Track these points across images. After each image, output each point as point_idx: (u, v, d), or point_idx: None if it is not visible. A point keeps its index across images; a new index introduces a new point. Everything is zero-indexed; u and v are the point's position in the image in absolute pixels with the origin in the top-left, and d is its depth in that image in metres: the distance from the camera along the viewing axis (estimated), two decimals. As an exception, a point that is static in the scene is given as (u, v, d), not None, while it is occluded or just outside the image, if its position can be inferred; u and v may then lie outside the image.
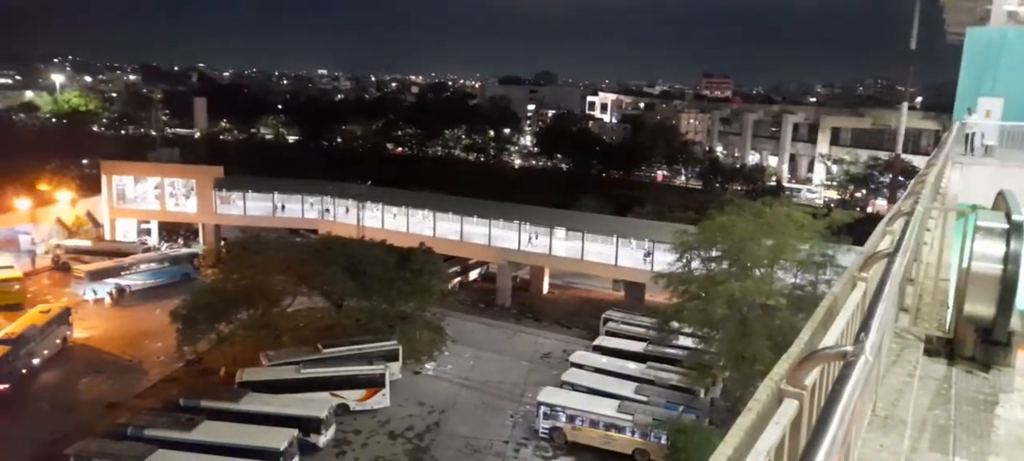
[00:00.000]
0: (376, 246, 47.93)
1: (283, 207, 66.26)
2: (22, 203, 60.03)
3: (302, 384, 35.97)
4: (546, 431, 35.06)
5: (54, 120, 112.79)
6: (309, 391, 35.45)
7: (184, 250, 61.61)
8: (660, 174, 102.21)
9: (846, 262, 25.47)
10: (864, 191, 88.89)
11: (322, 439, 33.06)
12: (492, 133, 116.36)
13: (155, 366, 41.87)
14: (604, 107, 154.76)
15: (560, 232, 55.24)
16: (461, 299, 55.11)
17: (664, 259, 40.71)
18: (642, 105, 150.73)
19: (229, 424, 31.39)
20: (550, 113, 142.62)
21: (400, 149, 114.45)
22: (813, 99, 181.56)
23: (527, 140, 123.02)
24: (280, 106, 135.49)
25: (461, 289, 57.91)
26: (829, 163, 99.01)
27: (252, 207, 66.39)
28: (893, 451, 5.13)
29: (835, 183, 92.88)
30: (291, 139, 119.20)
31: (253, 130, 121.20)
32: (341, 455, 33.24)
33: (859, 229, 31.42)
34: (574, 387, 36.84)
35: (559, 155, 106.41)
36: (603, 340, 44.19)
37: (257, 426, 31.30)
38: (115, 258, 56.07)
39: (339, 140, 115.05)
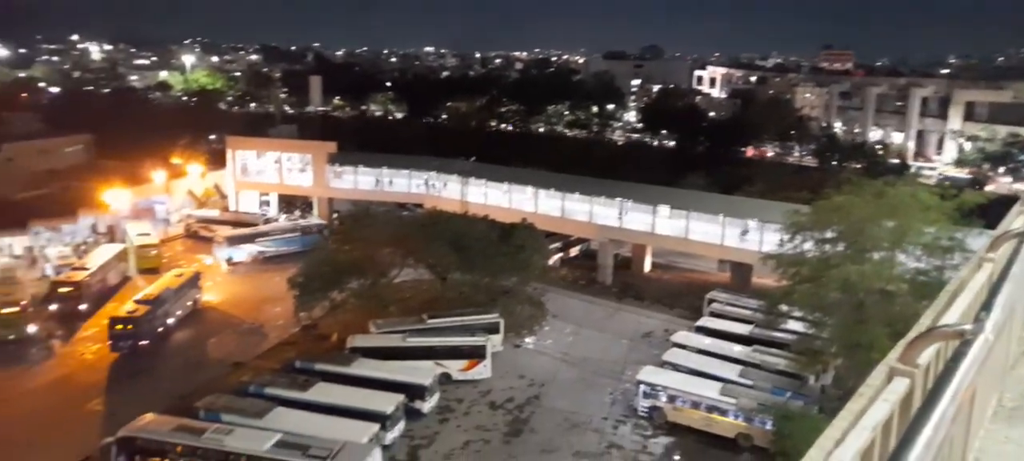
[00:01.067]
0: (479, 221, 48.81)
1: (391, 182, 68.47)
2: (158, 175, 64.87)
3: (408, 352, 37.36)
4: (646, 410, 34.86)
5: (185, 98, 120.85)
6: (414, 359, 36.77)
7: (314, 221, 64.58)
8: (772, 151, 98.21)
9: (977, 246, 23.77)
10: (1002, 169, 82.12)
11: (426, 406, 34.27)
12: (595, 109, 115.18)
13: (274, 329, 44.58)
14: (713, 81, 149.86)
15: (664, 210, 54.28)
16: (562, 276, 55.32)
17: (774, 240, 39.27)
18: (754, 79, 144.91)
19: (340, 386, 33.11)
20: (655, 88, 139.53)
21: (503, 125, 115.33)
22: (945, 71, 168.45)
23: (631, 116, 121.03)
24: (388, 84, 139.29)
25: (562, 266, 58.09)
26: (962, 140, 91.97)
27: (362, 181, 69.05)
28: (1020, 443, 4.86)
29: (968, 161, 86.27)
30: (398, 116, 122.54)
31: (363, 107, 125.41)
32: (444, 422, 34.34)
33: (994, 211, 29.21)
34: (676, 367, 36.39)
35: (664, 131, 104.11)
36: (707, 321, 43.31)
37: (366, 390, 32.84)
38: (246, 227, 60.25)
39: (444, 116, 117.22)
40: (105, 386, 36.81)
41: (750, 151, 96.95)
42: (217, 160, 72.93)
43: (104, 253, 50.83)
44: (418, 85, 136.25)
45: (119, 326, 39.55)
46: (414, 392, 33.86)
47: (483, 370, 38.30)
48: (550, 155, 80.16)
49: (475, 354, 38.32)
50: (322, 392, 32.46)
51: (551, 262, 53.74)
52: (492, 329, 40.56)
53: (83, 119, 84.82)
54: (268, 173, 71.38)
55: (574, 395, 37.44)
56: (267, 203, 71.54)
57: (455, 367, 37.98)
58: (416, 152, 72.38)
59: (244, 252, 56.70)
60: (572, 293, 52.43)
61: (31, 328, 40.30)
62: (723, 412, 32.96)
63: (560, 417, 35.24)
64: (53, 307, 42.84)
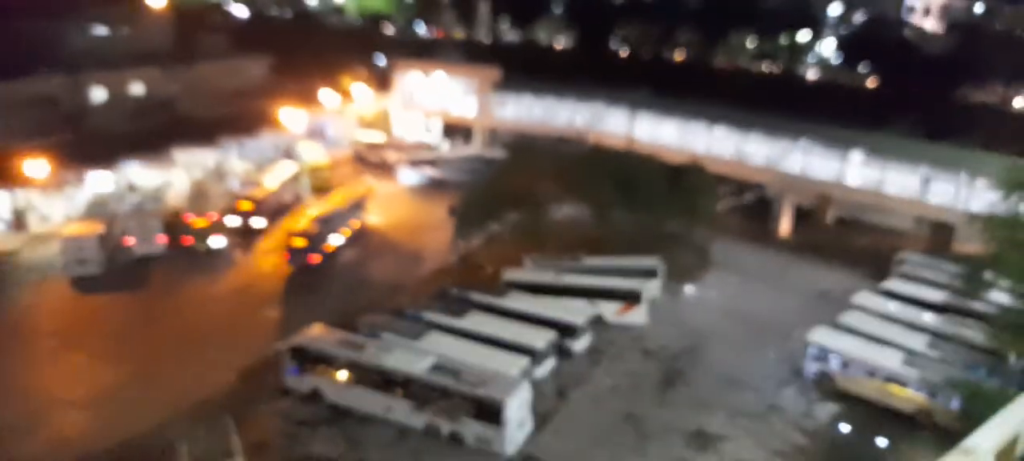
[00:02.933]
0: (646, 159, 48.58)
1: (555, 112, 69.27)
2: (329, 98, 69.83)
3: (562, 290, 38.53)
4: (814, 374, 33.86)
5: (359, 22, 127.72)
6: (568, 297, 37.88)
7: (488, 153, 67.13)
8: (997, 95, 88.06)
9: None
10: None
11: (577, 345, 35.40)
12: (786, 40, 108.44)
13: (433, 256, 47.44)
14: (927, 11, 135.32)
15: (856, 157, 51.01)
16: (733, 223, 53.87)
17: (986, 200, 35.94)
18: (978, 9, 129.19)
19: (493, 318, 34.98)
20: (858, 17, 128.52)
21: (679, 56, 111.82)
22: None
23: (828, 49, 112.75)
24: (558, 9, 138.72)
25: (733, 212, 56.51)
26: None
27: (526, 111, 70.43)
28: None
29: None
30: (567, 43, 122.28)
31: (531, 34, 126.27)
32: (594, 364, 35.35)
33: None
34: (852, 331, 34.84)
35: (865, 68, 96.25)
36: (894, 284, 40.81)
37: (518, 324, 34.46)
38: (412, 151, 64.45)
39: (615, 45, 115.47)
40: (279, 296, 41.28)
41: (969, 95, 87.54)
42: (385, 84, 77.17)
43: (281, 172, 56.00)
44: (589, 11, 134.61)
45: (295, 241, 43.92)
46: (566, 330, 35.04)
47: (638, 315, 38.73)
48: (728, 90, 77.05)
49: (631, 298, 38.76)
50: (475, 322, 34.48)
51: (721, 208, 52.46)
52: (651, 274, 40.74)
53: (266, 41, 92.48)
54: (432, 99, 74.58)
55: (735, 350, 37.01)
56: (430, 129, 74.99)
57: (609, 310, 38.70)
58: (583, 83, 72.39)
59: (422, 176, 60.55)
60: (742, 243, 51.09)
61: (221, 241, 45.65)
62: (903, 384, 31.32)
63: (717, 372, 35.10)
64: (234, 222, 48.16)
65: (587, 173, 45.82)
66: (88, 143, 53.06)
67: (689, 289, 43.21)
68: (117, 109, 59.36)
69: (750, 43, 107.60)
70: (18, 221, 47.17)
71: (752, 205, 58.94)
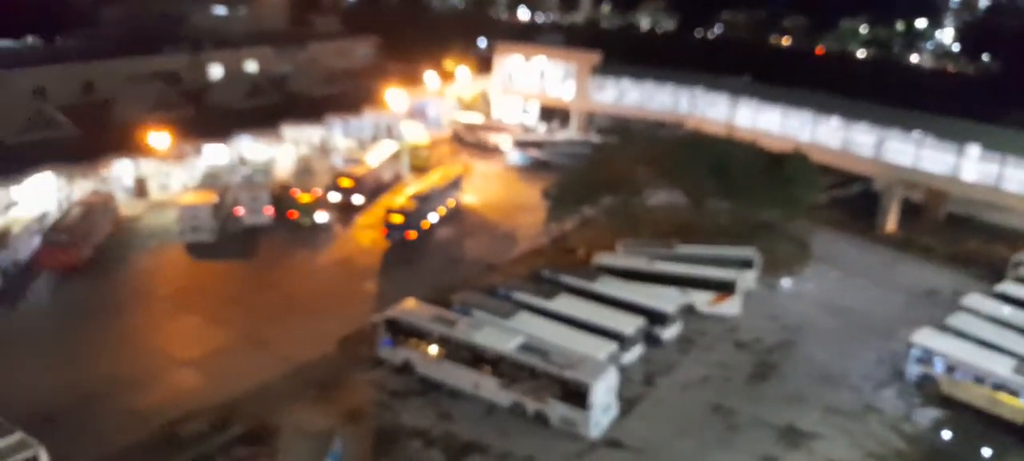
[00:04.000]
0: (745, 146, 46.94)
1: (653, 98, 67.95)
2: (431, 79, 70.86)
3: (653, 277, 37.81)
4: (916, 377, 31.98)
5: (462, 5, 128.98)
6: (659, 284, 37.16)
7: (588, 137, 66.77)
8: None
9: None
10: None
11: (667, 333, 34.72)
12: (901, 26, 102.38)
13: (525, 237, 47.53)
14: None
15: (973, 150, 47.63)
16: (835, 215, 51.40)
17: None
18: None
19: (583, 301, 34.72)
20: (982, 3, 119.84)
21: (785, 41, 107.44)
22: None
23: (946, 36, 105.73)
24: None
25: (836, 204, 53.92)
26: None
27: (624, 95, 69.44)
28: None
29: None
30: (668, 28, 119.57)
31: (632, 18, 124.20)
32: (684, 352, 34.60)
33: None
34: (960, 334, 32.71)
35: (987, 56, 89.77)
36: (1009, 287, 38.04)
37: (608, 308, 34.08)
38: (512, 132, 64.80)
39: (718, 30, 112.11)
40: (376, 270, 42.35)
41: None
42: (485, 67, 77.64)
43: (382, 150, 57.30)
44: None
45: (393, 217, 44.92)
46: (656, 318, 34.40)
47: (732, 306, 37.61)
48: (836, 77, 73.53)
49: (725, 288, 37.67)
50: (565, 304, 34.32)
51: (823, 199, 50.17)
52: (746, 264, 39.45)
53: (374, 23, 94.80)
54: (531, 82, 74.51)
55: (832, 347, 35.42)
56: (527, 111, 75.01)
57: (702, 299, 37.74)
58: (683, 67, 70.66)
59: (529, 158, 60.83)
60: (844, 236, 48.79)
61: (323, 215, 47.21)
62: (1014, 393, 29.17)
63: (813, 368, 33.69)
64: (336, 197, 49.63)
65: (684, 159, 44.67)
66: (205, 117, 55.78)
67: (786, 282, 41.60)
68: (233, 86, 62.20)
69: (863, 29, 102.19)
70: (140, 189, 50.31)
71: (857, 198, 56.12)
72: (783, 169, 43.46)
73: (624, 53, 76.27)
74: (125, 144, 48.70)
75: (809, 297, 40.48)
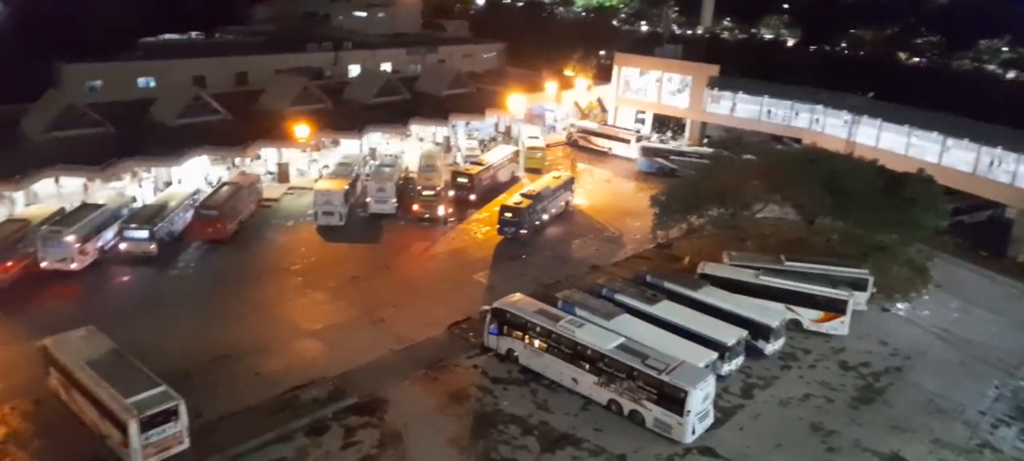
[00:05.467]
0: (865, 165, 44.30)
1: (770, 112, 65.38)
2: (550, 85, 71.04)
3: (758, 290, 36.33)
4: (1041, 418, 29.19)
5: (584, 14, 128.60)
6: (764, 298, 35.68)
7: (702, 148, 65.22)
8: None
9: None
10: None
11: (769, 348, 33.31)
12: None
13: (631, 242, 46.91)
14: None
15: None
16: (958, 241, 47.60)
17: None
18: None
19: (685, 308, 33.83)
20: None
21: (915, 59, 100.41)
22: None
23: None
24: (785, 4, 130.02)
25: (960, 230, 49.92)
26: None
27: (740, 108, 67.20)
28: None
29: None
30: (790, 42, 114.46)
31: (754, 30, 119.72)
32: (785, 368, 33.08)
33: None
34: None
35: None
36: None
37: (710, 317, 33.05)
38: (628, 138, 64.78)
39: (843, 45, 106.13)
40: (487, 263, 42.95)
41: None
42: (603, 75, 77.07)
43: (499, 152, 58.04)
44: (817, 7, 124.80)
45: (507, 214, 45.46)
46: (759, 330, 33.08)
47: (839, 326, 35.62)
48: (970, 99, 67.99)
49: (833, 307, 35.73)
50: (667, 310, 33.57)
51: (946, 224, 46.60)
52: (858, 285, 37.25)
53: (500, 28, 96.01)
54: (648, 92, 73.34)
55: (946, 378, 32.88)
56: (642, 121, 73.88)
57: (808, 316, 35.98)
58: (804, 82, 67.46)
59: (654, 164, 60.08)
60: (967, 263, 45.19)
61: (441, 209, 48.33)
62: None
63: (923, 397, 31.39)
64: (452, 193, 50.66)
65: (798, 174, 42.65)
66: (342, 112, 58.31)
67: (900, 306, 38.96)
68: (368, 84, 64.60)
69: (1005, 49, 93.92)
70: (281, 173, 53.31)
71: (984, 224, 51.78)
72: (904, 190, 40.66)
73: (743, 65, 73.59)
74: (270, 132, 51.67)
75: (924, 324, 37.78)
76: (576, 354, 29.73)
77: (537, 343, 30.97)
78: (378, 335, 33.52)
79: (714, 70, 68.99)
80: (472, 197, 51.13)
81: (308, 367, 30.55)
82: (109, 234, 40.09)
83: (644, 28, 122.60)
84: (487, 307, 33.13)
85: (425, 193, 47.92)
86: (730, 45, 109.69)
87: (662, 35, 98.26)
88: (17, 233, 37.36)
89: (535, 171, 58.22)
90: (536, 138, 62.91)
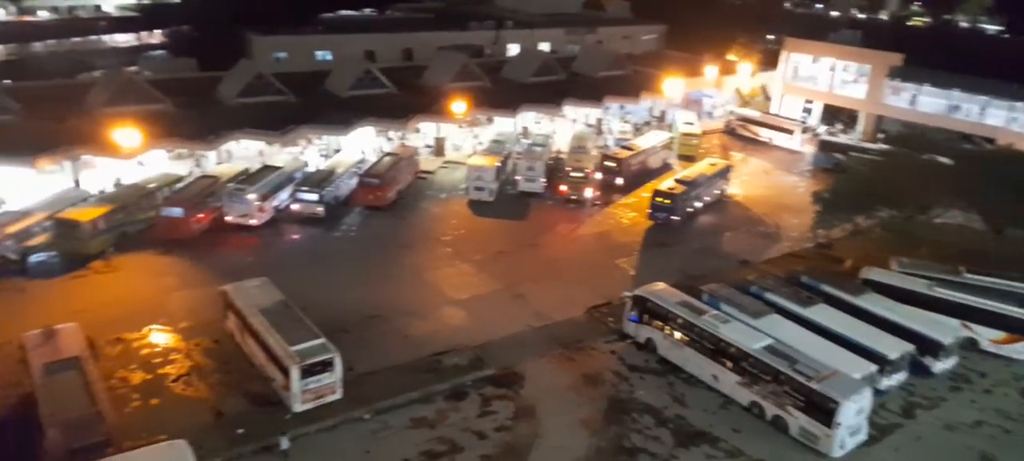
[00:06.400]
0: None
1: (959, 107, 59.22)
2: (710, 70, 68.41)
3: (930, 302, 33.17)
4: None
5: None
6: (935, 311, 32.54)
7: (877, 143, 60.74)
8: None
9: None
10: None
11: (938, 366, 30.39)
12: None
13: (787, 239, 44.41)
14: None
15: None
16: None
17: None
18: None
19: (843, 315, 31.54)
20: None
21: None
22: None
23: None
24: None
25: None
26: None
27: (924, 102, 61.56)
28: None
29: None
30: (991, 30, 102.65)
31: (948, 16, 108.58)
32: (955, 390, 30.08)
33: None
34: None
35: None
36: None
37: (871, 327, 30.64)
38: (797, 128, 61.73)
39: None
40: (632, 249, 42.30)
41: None
42: (768, 61, 73.11)
43: (651, 138, 56.73)
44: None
45: (660, 199, 44.53)
46: (927, 346, 30.24)
47: (1024, 350, 31.85)
48: None
49: (1020, 328, 31.95)
50: (823, 314, 31.48)
51: None
52: (1051, 306, 33.00)
53: (662, 9, 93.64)
54: (818, 80, 68.78)
55: None
56: (808, 110, 69.46)
57: (988, 335, 32.45)
58: (1002, 75, 60.32)
59: (830, 159, 56.68)
60: None
61: (589, 191, 48.10)
62: None
63: (1125, 441, 27.42)
64: (603, 176, 50.15)
65: (986, 178, 38.33)
66: (498, 90, 59.41)
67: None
68: (525, 63, 65.32)
69: None
70: (438, 147, 55.29)
71: None
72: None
73: (928, 55, 67.04)
74: (431, 107, 53.66)
75: None
76: (719, 350, 28.66)
77: (678, 335, 30.18)
78: (519, 310, 34.07)
79: (896, 59, 63.40)
80: (619, 181, 50.44)
81: (451, 334, 31.65)
82: (284, 195, 43.47)
83: (820, 10, 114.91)
84: (629, 293, 32.66)
85: (573, 175, 47.88)
86: (916, 32, 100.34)
87: (838, 19, 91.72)
88: (209, 189, 41.42)
89: (688, 159, 56.47)
90: (692, 124, 60.92)
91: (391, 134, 53.91)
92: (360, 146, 51.60)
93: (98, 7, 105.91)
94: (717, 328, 29.10)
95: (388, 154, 49.07)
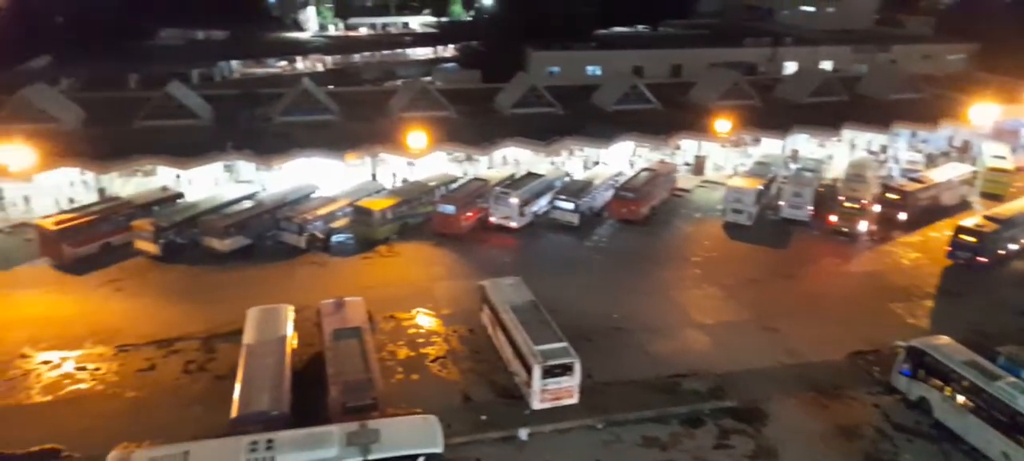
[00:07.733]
0: None
1: None
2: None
3: None
4: None
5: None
6: None
7: None
8: None
9: None
10: None
11: None
12: None
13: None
14: None
15: None
16: None
17: None
18: None
19: None
20: None
21: None
22: None
23: None
24: None
25: None
26: None
27: None
28: None
29: None
30: None
31: None
32: None
33: None
34: None
35: None
36: None
37: None
38: None
39: None
40: (911, 294, 37.16)
41: None
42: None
43: (948, 171, 49.61)
44: None
45: (963, 236, 38.89)
46: None
47: None
48: None
49: None
50: None
51: None
52: None
53: (975, 26, 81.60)
54: None
55: None
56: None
57: None
58: None
59: None
60: None
61: (863, 225, 43.33)
62: None
63: None
64: (877, 209, 44.78)
65: None
66: (769, 109, 56.12)
67: None
68: (802, 82, 60.91)
69: None
70: (698, 166, 53.71)
71: None
72: None
73: None
74: (694, 124, 52.36)
75: None
76: (1015, 425, 24.11)
77: (961, 398, 25.94)
78: (769, 343, 31.81)
79: None
80: (902, 216, 44.80)
81: (693, 358, 30.53)
82: (543, 201, 45.32)
83: None
84: (903, 343, 28.83)
85: (847, 204, 43.52)
86: None
87: None
88: (478, 190, 44.65)
89: (994, 197, 48.49)
90: (1003, 159, 52.15)
91: (655, 150, 53.45)
92: (621, 160, 51.99)
93: (405, 24, 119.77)
94: (1015, 399, 24.50)
95: (645, 169, 48.83)
